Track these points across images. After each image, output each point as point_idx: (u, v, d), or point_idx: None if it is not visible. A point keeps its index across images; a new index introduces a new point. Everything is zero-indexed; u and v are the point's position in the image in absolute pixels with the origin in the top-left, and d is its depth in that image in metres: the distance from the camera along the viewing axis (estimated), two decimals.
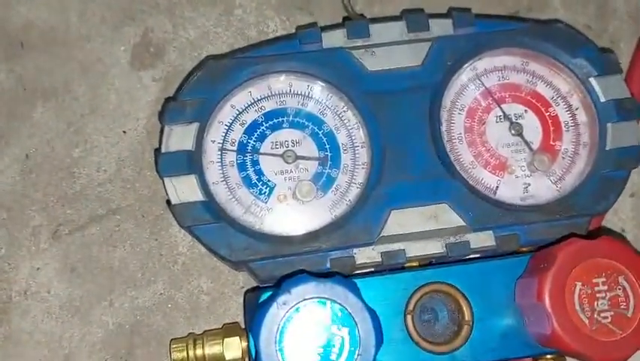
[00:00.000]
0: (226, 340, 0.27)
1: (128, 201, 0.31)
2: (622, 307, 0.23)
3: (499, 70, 0.29)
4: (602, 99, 0.28)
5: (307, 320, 0.22)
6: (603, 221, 0.31)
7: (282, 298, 0.22)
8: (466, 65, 0.28)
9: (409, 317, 0.25)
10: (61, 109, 0.32)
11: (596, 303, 0.22)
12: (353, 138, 0.28)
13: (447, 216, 0.26)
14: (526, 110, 0.29)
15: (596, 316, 0.22)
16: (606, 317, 0.22)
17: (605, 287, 0.23)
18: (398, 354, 0.25)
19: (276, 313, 0.22)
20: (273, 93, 0.28)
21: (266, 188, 0.27)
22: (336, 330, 0.22)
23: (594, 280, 0.23)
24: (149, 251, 0.31)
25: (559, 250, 0.23)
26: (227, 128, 0.28)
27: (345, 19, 0.31)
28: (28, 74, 0.32)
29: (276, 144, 0.28)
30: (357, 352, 0.22)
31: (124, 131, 0.32)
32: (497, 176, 0.28)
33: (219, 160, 0.27)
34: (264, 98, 0.28)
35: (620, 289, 0.23)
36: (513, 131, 0.28)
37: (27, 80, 0.32)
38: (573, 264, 0.23)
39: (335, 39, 0.28)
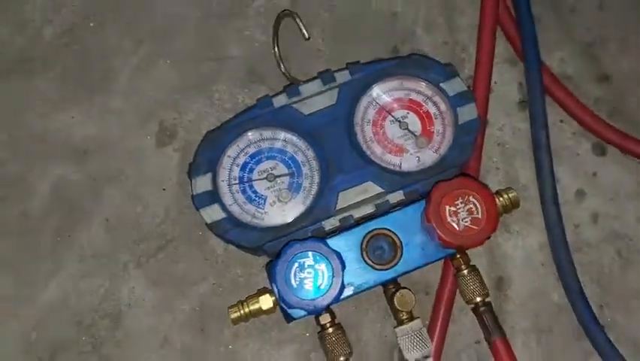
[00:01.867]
0: (260, 297, 0.43)
1: (178, 231, 0.48)
2: (474, 213, 0.39)
3: (385, 92, 0.46)
4: (451, 94, 0.45)
5: (299, 265, 0.39)
6: (482, 165, 0.48)
7: (283, 257, 0.39)
8: (363, 95, 0.45)
9: (364, 253, 0.41)
10: (122, 186, 0.49)
11: (459, 215, 0.39)
12: (307, 156, 0.44)
13: (372, 189, 0.43)
14: (408, 113, 0.45)
15: (461, 222, 0.39)
16: (467, 221, 0.39)
17: (463, 205, 0.39)
18: (360, 276, 0.41)
19: (281, 266, 0.39)
20: (252, 142, 0.45)
21: (261, 200, 0.44)
22: (317, 267, 0.39)
23: (455, 202, 0.39)
24: (199, 259, 0.47)
25: (432, 191, 0.40)
26: (228, 170, 0.44)
27: (286, 85, 0.47)
28: (94, 169, 0.49)
29: (261, 172, 0.44)
30: (332, 277, 0.39)
31: (164, 189, 0.49)
32: (399, 157, 0.44)
33: (229, 191, 0.44)
34: (247, 146, 0.45)
35: (471, 203, 0.39)
36: (402, 128, 0.45)
37: (95, 173, 0.49)
38: (441, 196, 0.39)
39: (281, 100, 0.45)
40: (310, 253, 0.38)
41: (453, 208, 0.39)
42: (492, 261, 0.47)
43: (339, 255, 0.39)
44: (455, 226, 0.39)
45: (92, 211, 0.48)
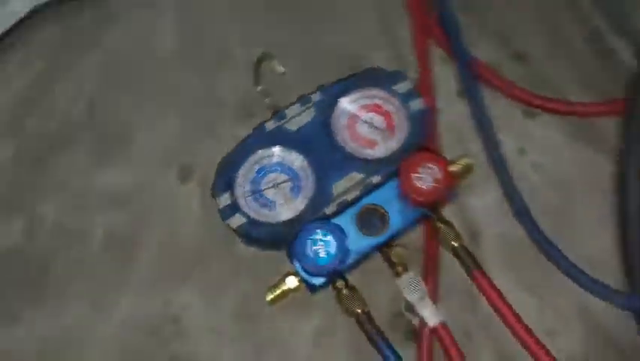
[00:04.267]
0: (286, 278, 0.54)
1: (212, 242, 0.59)
2: (435, 176, 0.51)
3: (352, 102, 0.58)
4: (401, 91, 0.57)
5: (312, 240, 0.50)
6: (440, 144, 0.60)
7: (298, 238, 0.50)
8: (335, 108, 0.58)
9: (359, 226, 0.53)
10: (160, 217, 0.61)
11: (423, 179, 0.51)
12: (301, 163, 0.56)
13: (357, 176, 0.55)
14: (373, 114, 0.58)
15: (426, 184, 0.51)
16: (430, 182, 0.51)
17: (424, 170, 0.51)
18: (360, 244, 0.52)
19: (298, 244, 0.50)
20: (256, 161, 0.57)
21: (272, 204, 0.55)
22: (326, 238, 0.50)
23: (418, 170, 0.51)
24: (232, 263, 0.59)
25: (401, 165, 0.52)
26: (242, 186, 0.56)
27: (273, 112, 0.59)
28: (135, 210, 0.61)
29: (267, 183, 0.56)
30: (338, 244, 0.50)
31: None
32: (372, 149, 0.56)
33: (245, 202, 0.56)
34: (252, 165, 0.57)
35: (431, 169, 0.51)
36: (370, 127, 0.57)
37: (136, 212, 0.61)
38: (407, 168, 0.51)
39: (271, 124, 0.57)
40: (319, 230, 0.50)
41: (417, 175, 0.51)
42: (463, 219, 0.59)
43: (340, 227, 0.51)
44: (422, 187, 0.51)
45: (141, 242, 0.59)
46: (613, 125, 0.60)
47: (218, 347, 0.56)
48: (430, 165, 0.52)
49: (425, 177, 0.51)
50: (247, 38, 0.68)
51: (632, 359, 0.54)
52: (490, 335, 0.56)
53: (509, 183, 0.58)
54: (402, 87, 0.58)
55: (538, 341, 0.50)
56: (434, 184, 0.51)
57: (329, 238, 0.50)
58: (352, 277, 0.54)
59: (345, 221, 0.53)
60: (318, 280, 0.52)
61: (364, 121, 0.57)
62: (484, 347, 0.56)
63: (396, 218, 0.53)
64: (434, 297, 0.55)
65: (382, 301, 0.56)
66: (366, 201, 0.54)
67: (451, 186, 0.52)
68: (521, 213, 0.57)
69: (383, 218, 0.53)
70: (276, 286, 0.53)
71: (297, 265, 0.51)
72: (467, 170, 0.56)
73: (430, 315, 0.52)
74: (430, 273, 0.55)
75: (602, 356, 0.55)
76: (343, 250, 0.50)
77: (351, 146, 0.57)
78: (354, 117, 0.58)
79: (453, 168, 0.55)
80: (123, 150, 0.63)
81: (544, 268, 0.57)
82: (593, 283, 0.52)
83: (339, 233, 0.50)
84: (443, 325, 0.52)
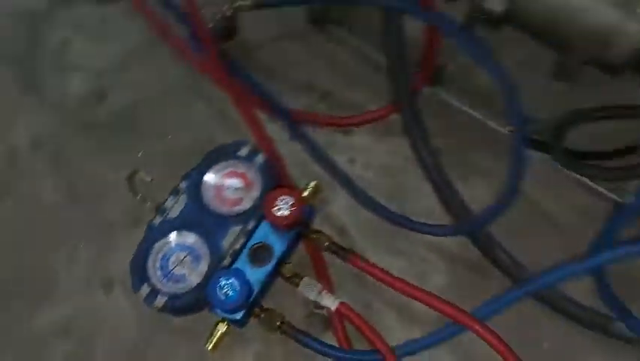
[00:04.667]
0: (217, 326, 0.67)
1: (152, 329, 0.71)
2: (290, 203, 0.67)
3: (213, 177, 0.73)
4: (245, 154, 0.74)
5: (220, 287, 0.64)
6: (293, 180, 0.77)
7: (209, 291, 0.64)
8: (202, 186, 0.73)
9: (253, 262, 0.68)
10: (109, 343, 0.72)
11: (282, 208, 0.67)
12: (192, 238, 0.70)
13: (236, 229, 0.69)
14: (232, 179, 0.73)
15: (285, 212, 0.67)
16: (287, 209, 0.67)
17: (281, 202, 0.67)
18: (256, 276, 0.67)
19: (211, 295, 0.64)
20: (157, 251, 0.70)
21: (182, 277, 0.69)
22: (229, 281, 0.64)
23: (276, 203, 0.67)
24: (173, 337, 0.71)
25: (263, 206, 0.68)
26: (155, 274, 0.69)
27: (156, 209, 0.73)
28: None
29: (172, 263, 0.69)
30: (239, 283, 0.64)
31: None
32: (240, 204, 0.71)
33: (162, 285, 0.68)
34: (156, 255, 0.70)
35: (285, 199, 0.67)
36: (232, 190, 0.73)
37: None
38: (268, 204, 0.67)
39: (157, 219, 0.71)
40: (221, 278, 0.64)
41: (277, 208, 0.67)
42: (330, 223, 0.76)
43: (237, 269, 0.65)
44: (283, 215, 0.67)
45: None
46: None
47: None
48: (284, 197, 0.68)
49: (283, 207, 0.67)
50: (115, 165, 0.82)
51: (481, 268, 0.72)
52: (384, 299, 0.72)
53: (352, 186, 0.76)
54: (244, 151, 0.74)
55: (417, 288, 0.67)
56: (291, 210, 0.67)
57: (231, 280, 0.64)
58: (266, 302, 0.68)
59: (242, 263, 0.67)
60: (238, 315, 0.65)
61: (227, 187, 0.73)
62: (384, 310, 0.72)
63: (277, 245, 0.68)
64: (331, 289, 0.70)
65: (295, 309, 0.70)
66: (251, 242, 0.69)
67: (306, 205, 0.68)
68: (367, 202, 0.75)
69: (268, 249, 0.68)
70: (211, 335, 0.66)
71: (218, 311, 0.65)
72: (317, 190, 0.73)
73: (330, 301, 0.67)
74: (321, 273, 0.71)
75: (465, 277, 0.73)
76: (245, 284, 0.64)
77: (224, 209, 0.72)
78: (218, 187, 0.73)
79: (305, 193, 0.71)
80: (51, 290, 0.74)
81: (399, 233, 0.74)
82: (430, 227, 0.70)
83: (238, 273, 0.65)
84: (343, 304, 0.67)
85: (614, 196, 0.77)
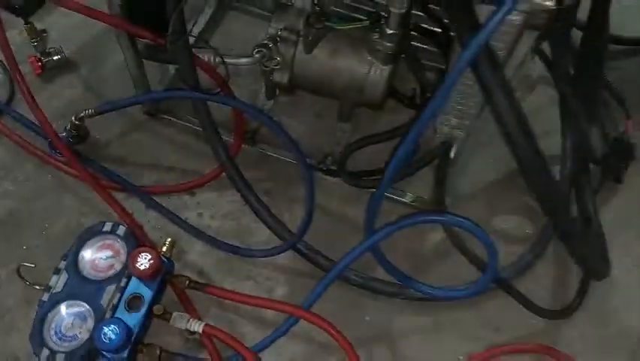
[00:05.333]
0: None
1: None
2: (149, 258, 0.87)
3: (87, 252, 0.91)
4: (107, 229, 0.92)
5: (104, 334, 0.82)
6: (150, 241, 0.97)
7: (95, 338, 0.81)
8: (78, 262, 0.90)
9: (128, 310, 0.86)
10: None
11: (143, 264, 0.86)
12: (78, 305, 0.87)
13: (112, 288, 0.88)
14: (103, 251, 0.92)
15: (146, 265, 0.86)
16: (147, 264, 0.86)
17: (141, 258, 0.86)
18: (134, 320, 0.85)
19: (98, 341, 0.81)
20: (50, 321, 0.86)
21: (74, 337, 0.85)
22: (110, 328, 0.82)
23: (138, 260, 0.86)
24: None
25: (128, 264, 0.87)
26: (51, 339, 0.85)
27: (44, 289, 0.90)
28: None
29: (65, 327, 0.86)
30: (119, 327, 0.82)
31: None
32: (114, 268, 0.90)
33: (59, 346, 0.85)
34: (49, 324, 0.86)
35: (144, 255, 0.87)
36: (104, 259, 0.91)
37: None
38: (131, 262, 0.86)
39: (46, 296, 0.87)
40: (103, 327, 0.82)
41: (139, 263, 0.86)
42: (190, 268, 0.96)
43: (118, 318, 0.83)
44: (145, 268, 0.86)
45: None
46: None
47: None
48: (143, 254, 0.87)
49: (144, 262, 0.86)
50: (4, 262, 0.97)
51: (310, 272, 0.94)
52: (242, 314, 0.92)
53: (202, 235, 0.97)
54: (108, 227, 0.93)
55: (261, 298, 0.88)
56: (150, 263, 0.86)
57: (112, 327, 0.82)
58: (148, 339, 0.86)
59: (120, 313, 0.85)
60: (124, 354, 0.83)
61: (99, 258, 0.91)
62: (242, 323, 0.92)
63: (146, 293, 0.87)
64: (198, 317, 0.90)
65: (174, 340, 0.89)
66: (125, 295, 0.87)
67: (164, 257, 0.88)
68: (216, 245, 0.96)
69: (140, 298, 0.87)
70: None
71: (106, 354, 0.82)
72: (173, 244, 0.93)
73: (197, 326, 0.86)
74: (187, 307, 0.90)
75: (300, 283, 0.95)
76: (124, 328, 0.82)
77: (100, 275, 0.89)
78: (92, 260, 0.91)
79: (164, 248, 0.91)
80: None
81: (246, 262, 0.96)
82: (265, 251, 0.92)
83: (116, 321, 0.82)
84: (207, 325, 0.87)
85: (398, 198, 1.04)
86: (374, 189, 0.99)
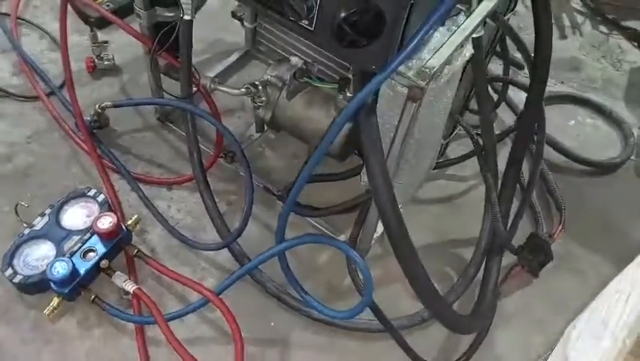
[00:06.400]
0: (52, 300, 1.03)
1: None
2: (111, 222, 1.07)
3: (70, 206, 1.13)
4: (91, 194, 1.14)
5: (53, 268, 1.02)
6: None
7: (48, 272, 1.02)
8: (60, 211, 1.12)
9: (82, 258, 1.06)
10: None
11: (105, 225, 1.07)
12: (48, 244, 1.09)
13: (76, 237, 1.08)
14: (83, 208, 1.13)
15: (106, 227, 1.07)
16: (107, 226, 1.07)
17: (104, 220, 1.07)
18: (84, 266, 1.05)
19: (49, 273, 1.02)
20: (24, 254, 1.08)
21: (36, 267, 1.06)
22: (61, 264, 1.02)
23: (101, 221, 1.07)
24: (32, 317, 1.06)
25: (95, 219, 1.08)
26: (19, 265, 1.06)
27: (27, 227, 1.12)
28: None
29: (36, 259, 1.07)
30: (67, 264, 1.02)
31: None
32: (84, 223, 1.11)
33: (22, 270, 1.05)
34: (24, 256, 1.08)
35: (107, 217, 1.07)
36: (81, 214, 1.12)
37: None
38: (95, 222, 1.07)
39: (26, 231, 1.09)
40: (56, 262, 1.02)
41: (101, 223, 1.06)
42: (146, 243, 1.15)
43: (70, 259, 1.03)
44: (105, 227, 1.06)
45: None
46: None
47: None
48: (107, 217, 1.08)
49: (105, 223, 1.07)
50: (9, 200, 1.21)
51: None
52: (172, 291, 1.10)
53: (164, 222, 1.17)
54: (92, 192, 1.15)
55: (189, 279, 1.06)
56: (108, 225, 1.07)
57: (63, 263, 1.02)
58: (92, 287, 1.05)
59: (75, 258, 1.06)
60: (66, 290, 1.02)
61: (77, 213, 1.13)
62: (170, 297, 1.09)
63: (100, 249, 1.07)
64: (136, 281, 1.08)
65: (112, 295, 1.08)
66: (84, 247, 1.07)
67: (124, 227, 1.08)
68: (172, 232, 1.15)
69: (95, 251, 1.07)
70: (49, 304, 1.03)
71: (52, 285, 1.02)
72: (137, 221, 1.14)
73: (130, 287, 1.05)
74: (131, 271, 1.09)
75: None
76: (74, 268, 1.02)
77: (72, 226, 1.11)
78: (71, 213, 1.13)
79: (129, 222, 1.12)
80: None
81: (190, 251, 1.14)
82: (206, 245, 1.11)
83: (69, 261, 1.03)
84: (139, 288, 1.05)
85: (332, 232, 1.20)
86: (309, 217, 1.17)
